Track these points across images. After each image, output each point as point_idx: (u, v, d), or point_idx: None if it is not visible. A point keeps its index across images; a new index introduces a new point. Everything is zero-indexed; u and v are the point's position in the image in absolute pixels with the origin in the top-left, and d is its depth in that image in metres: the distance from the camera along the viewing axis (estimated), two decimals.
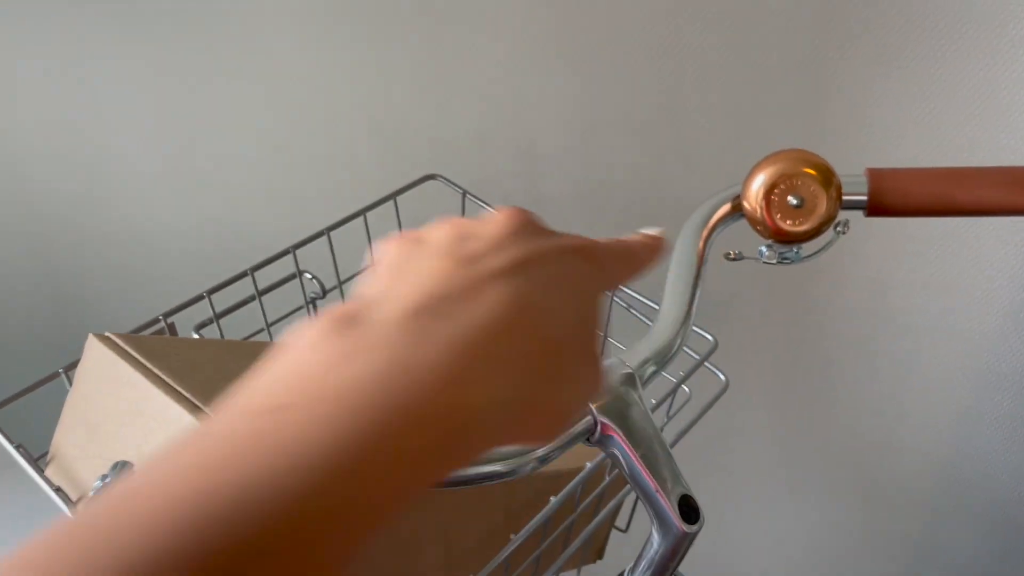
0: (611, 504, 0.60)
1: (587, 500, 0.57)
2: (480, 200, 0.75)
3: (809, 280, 0.92)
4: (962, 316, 0.89)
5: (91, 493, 0.32)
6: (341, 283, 0.73)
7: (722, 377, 0.66)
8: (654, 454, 0.44)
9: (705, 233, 0.53)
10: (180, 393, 0.48)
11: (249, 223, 1.06)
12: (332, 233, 0.70)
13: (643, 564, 0.49)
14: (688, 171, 0.90)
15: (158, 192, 1.08)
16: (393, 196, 0.74)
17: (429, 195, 0.76)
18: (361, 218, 0.72)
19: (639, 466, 0.44)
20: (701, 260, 0.52)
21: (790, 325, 0.95)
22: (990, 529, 1.01)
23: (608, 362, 0.45)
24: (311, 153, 1.00)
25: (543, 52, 0.89)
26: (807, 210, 0.51)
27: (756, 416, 1.02)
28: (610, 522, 0.69)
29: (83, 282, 1.18)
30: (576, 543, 0.57)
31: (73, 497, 0.51)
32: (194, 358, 0.53)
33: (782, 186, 0.51)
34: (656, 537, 0.46)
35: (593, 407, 0.43)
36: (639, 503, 0.70)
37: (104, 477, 0.32)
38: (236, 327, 0.67)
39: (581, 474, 0.54)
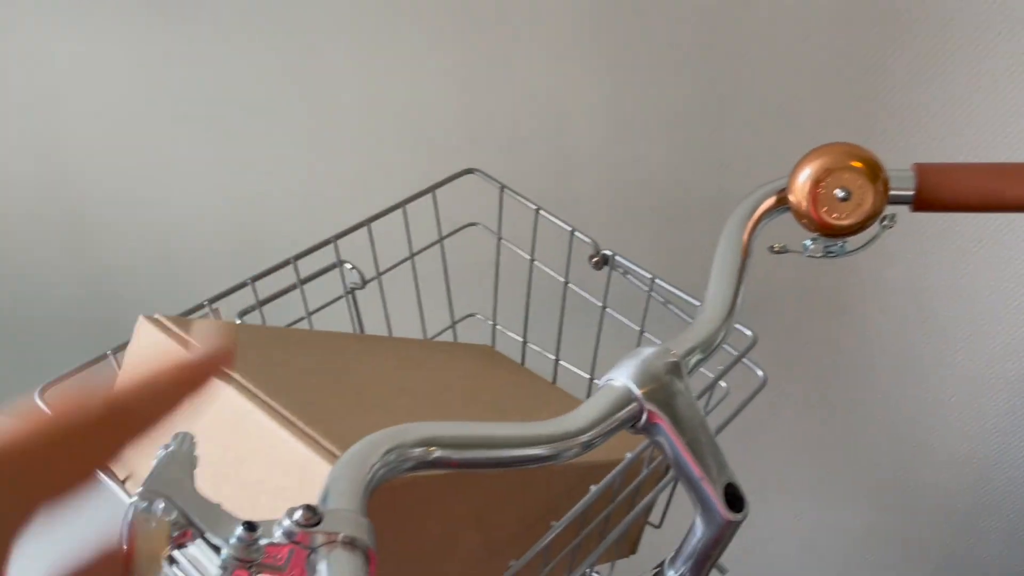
0: (648, 497, 0.60)
1: (625, 492, 0.57)
2: (518, 194, 0.76)
3: (844, 282, 0.92)
4: (1001, 322, 0.89)
5: (153, 462, 0.32)
6: (380, 274, 0.73)
7: (760, 373, 0.66)
8: (700, 442, 0.44)
9: (750, 226, 0.53)
10: (229, 375, 0.49)
11: (289, 216, 1.07)
12: (372, 225, 0.71)
13: (685, 553, 0.49)
14: (723, 171, 0.90)
15: (198, 183, 1.10)
16: (432, 189, 0.75)
17: (467, 190, 0.77)
18: (400, 211, 0.73)
19: (684, 453, 0.44)
20: (746, 253, 0.52)
21: (825, 327, 0.95)
22: None
23: (654, 350, 0.45)
24: (351, 149, 1.01)
25: (579, 52, 0.89)
26: (854, 203, 0.51)
27: (789, 417, 1.01)
28: (644, 517, 0.68)
29: (122, 270, 1.20)
30: (613, 534, 0.58)
31: (121, 476, 0.52)
32: (241, 342, 0.54)
33: (829, 179, 0.51)
34: (699, 526, 0.46)
35: (640, 393, 0.43)
36: (673, 499, 0.70)
37: (167, 446, 0.33)
38: (277, 315, 0.68)
39: (621, 464, 0.55)
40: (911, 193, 0.53)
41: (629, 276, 0.71)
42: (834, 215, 0.52)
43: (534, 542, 0.51)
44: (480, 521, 0.52)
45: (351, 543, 0.31)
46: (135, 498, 0.30)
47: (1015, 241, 0.84)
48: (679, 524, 0.71)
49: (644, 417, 0.43)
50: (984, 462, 0.98)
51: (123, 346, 0.57)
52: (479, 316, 0.83)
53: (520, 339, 0.80)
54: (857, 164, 0.51)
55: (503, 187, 0.76)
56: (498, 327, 0.82)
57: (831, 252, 0.53)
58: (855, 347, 0.95)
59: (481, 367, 0.73)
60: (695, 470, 0.44)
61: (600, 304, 0.74)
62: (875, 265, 0.89)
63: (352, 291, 0.72)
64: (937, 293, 0.89)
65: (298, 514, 0.31)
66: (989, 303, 0.88)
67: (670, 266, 0.73)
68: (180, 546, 0.30)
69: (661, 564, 0.52)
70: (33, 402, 0.53)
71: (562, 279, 0.76)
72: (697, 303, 0.69)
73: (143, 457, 0.51)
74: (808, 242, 0.54)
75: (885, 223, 0.52)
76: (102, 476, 0.51)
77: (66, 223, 1.19)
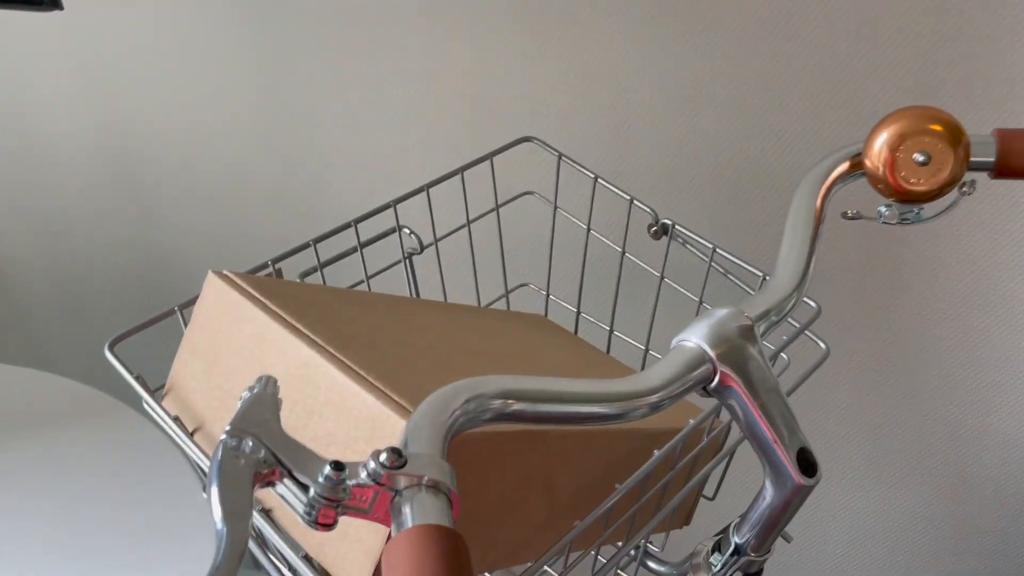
0: (708, 466, 0.60)
1: (685, 459, 0.57)
2: (576, 162, 0.75)
3: (904, 258, 0.90)
4: None
5: (238, 404, 0.33)
6: (437, 240, 0.73)
7: (823, 346, 0.65)
8: (773, 405, 0.44)
9: (823, 191, 0.52)
10: (298, 329, 0.49)
11: (350, 184, 1.07)
12: (431, 191, 0.71)
13: (751, 519, 0.48)
14: (783, 145, 0.88)
15: (258, 152, 1.10)
16: (489, 156, 0.75)
17: (524, 159, 0.76)
18: (457, 178, 0.73)
19: (757, 416, 0.43)
20: (819, 219, 0.51)
21: (883, 304, 0.93)
22: None
23: (727, 311, 0.44)
24: (411, 118, 1.00)
25: (640, 22, 0.88)
26: (933, 168, 0.50)
27: (845, 394, 1.00)
28: (700, 488, 0.68)
29: (177, 235, 1.21)
30: (674, 501, 0.57)
31: (190, 427, 0.52)
32: (306, 299, 0.54)
33: (908, 143, 0.50)
34: (769, 491, 0.46)
35: (713, 354, 0.43)
36: (727, 472, 0.69)
37: (251, 388, 0.33)
38: (336, 279, 0.68)
39: (684, 429, 0.54)
40: (992, 159, 0.51)
41: (689, 246, 0.71)
42: (912, 180, 0.50)
43: (594, 506, 0.51)
44: (543, 482, 0.52)
45: (435, 486, 0.31)
46: (224, 436, 0.30)
47: None
48: (731, 498, 0.70)
49: (717, 379, 0.43)
50: None
51: (190, 302, 0.57)
52: (532, 286, 0.83)
53: (573, 310, 0.80)
54: (937, 127, 0.50)
55: (560, 155, 0.75)
56: (551, 297, 0.81)
57: (906, 219, 0.52)
58: (914, 325, 0.93)
59: (537, 334, 0.73)
60: (768, 434, 0.44)
61: (658, 274, 0.73)
62: (936, 241, 0.87)
63: (410, 256, 0.72)
64: (999, 274, 0.87)
65: (383, 456, 0.31)
66: None
67: (727, 241, 0.72)
68: (268, 484, 0.31)
69: (725, 530, 0.52)
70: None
71: (619, 248, 0.75)
72: (759, 273, 0.68)
73: (211, 409, 0.51)
74: (883, 208, 0.52)
75: (964, 190, 0.51)
76: (172, 426, 0.51)
77: (127, 189, 1.20)
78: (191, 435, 0.52)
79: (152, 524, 0.76)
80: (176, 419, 0.52)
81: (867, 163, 0.51)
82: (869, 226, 0.87)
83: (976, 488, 1.00)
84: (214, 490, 0.28)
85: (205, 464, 0.50)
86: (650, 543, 0.67)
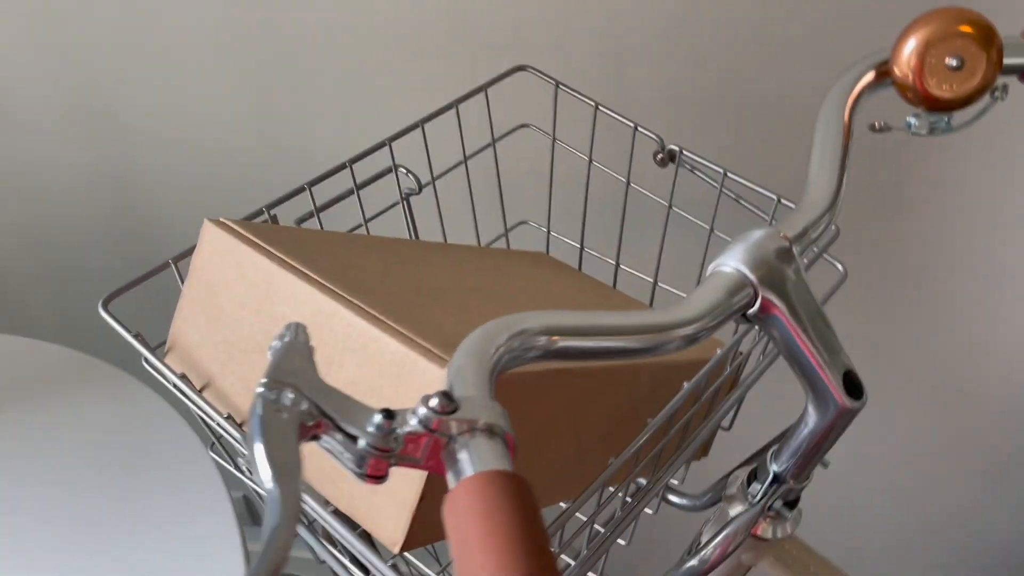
0: (736, 393, 0.59)
1: (711, 389, 0.55)
2: (573, 90, 0.72)
3: (906, 180, 0.88)
4: None
5: (269, 353, 0.30)
6: (435, 178, 0.70)
7: (840, 268, 0.64)
8: (816, 328, 0.42)
9: (850, 103, 0.50)
10: (308, 275, 0.46)
11: (334, 125, 1.02)
12: (425, 128, 0.68)
13: (792, 446, 0.47)
14: (790, 64, 0.85)
15: (236, 95, 1.05)
16: (483, 87, 0.71)
17: (519, 91, 0.73)
18: (453, 114, 0.69)
19: (801, 340, 0.42)
20: (848, 133, 0.49)
21: (884, 226, 0.92)
22: None
23: (764, 232, 0.42)
24: (395, 51, 0.95)
25: None
26: (965, 74, 0.47)
27: (848, 314, 0.99)
28: (719, 419, 0.67)
29: (146, 190, 1.16)
30: (704, 432, 0.56)
31: (198, 384, 0.50)
32: (310, 244, 0.51)
33: (938, 47, 0.47)
34: (812, 415, 0.44)
35: (754, 278, 0.41)
36: (743, 402, 0.68)
37: (282, 337, 0.30)
38: (331, 222, 0.65)
39: (712, 359, 0.53)
40: None
41: (697, 172, 0.68)
42: (943, 87, 0.48)
43: (620, 443, 0.49)
44: (571, 420, 0.50)
45: (490, 430, 0.29)
46: (261, 389, 0.28)
47: None
48: (747, 428, 0.69)
49: (758, 304, 0.41)
50: None
51: (185, 254, 0.54)
52: (532, 223, 0.81)
53: (575, 245, 0.78)
54: (968, 29, 0.47)
55: (558, 83, 0.72)
56: (553, 233, 0.79)
57: (936, 128, 0.50)
58: (912, 246, 0.92)
59: (543, 272, 0.71)
60: (812, 358, 0.42)
61: (665, 203, 0.71)
62: (933, 163, 0.86)
63: (407, 196, 0.69)
64: (998, 191, 0.86)
65: (434, 401, 0.29)
66: None
67: (736, 166, 0.69)
68: (312, 438, 0.28)
69: (761, 456, 0.51)
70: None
71: (623, 179, 0.72)
72: (773, 196, 0.66)
73: (219, 364, 0.49)
74: (912, 119, 0.50)
75: (996, 94, 0.49)
76: (179, 384, 0.49)
77: (103, 140, 1.15)
78: (199, 392, 0.49)
79: (152, 482, 0.74)
80: (183, 376, 0.49)
81: (895, 71, 0.49)
82: (873, 142, 0.85)
83: (973, 403, 1.00)
84: (259, 448, 0.26)
85: (218, 422, 0.48)
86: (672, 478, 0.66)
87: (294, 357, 0.30)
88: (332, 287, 0.45)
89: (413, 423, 0.29)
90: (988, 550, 1.16)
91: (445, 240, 0.74)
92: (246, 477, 0.59)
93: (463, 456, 0.28)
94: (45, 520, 0.72)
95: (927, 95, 0.48)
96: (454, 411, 0.29)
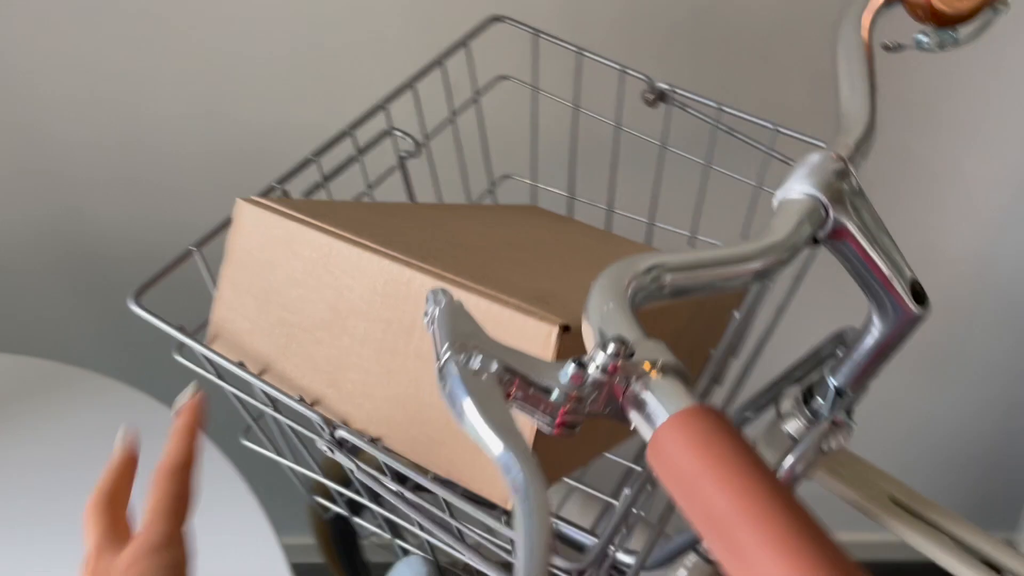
0: (770, 322, 0.60)
1: (740, 315, 0.57)
2: (554, 37, 0.71)
3: (911, 88, 0.90)
4: (997, 122, 0.91)
5: (425, 321, 0.29)
6: (428, 138, 0.68)
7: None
8: (883, 242, 0.44)
9: (866, 24, 0.51)
10: (368, 245, 0.44)
11: (297, 103, 0.95)
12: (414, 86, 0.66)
13: (854, 360, 0.49)
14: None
15: (197, 75, 0.97)
16: (462, 41, 0.70)
17: (498, 45, 0.71)
18: (437, 73, 0.68)
19: (871, 255, 0.43)
20: (869, 51, 0.50)
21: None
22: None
23: (820, 155, 0.43)
24: (350, 16, 0.90)
25: None
26: None
27: None
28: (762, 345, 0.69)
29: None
30: (745, 358, 0.58)
31: (255, 370, 0.48)
32: (347, 215, 0.50)
33: None
34: (878, 326, 0.46)
35: (824, 198, 0.42)
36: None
37: (437, 302, 0.30)
38: (333, 194, 0.63)
39: (753, 291, 0.54)
40: None
41: (689, 110, 0.69)
42: (950, 2, 0.50)
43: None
44: None
45: (670, 369, 0.29)
46: (449, 354, 0.27)
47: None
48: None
49: (829, 224, 0.42)
50: (984, 261, 1.03)
51: (206, 239, 0.51)
52: (516, 176, 0.80)
53: (562, 194, 0.78)
54: None
55: (536, 31, 0.71)
56: (539, 185, 0.78)
57: (945, 44, 0.52)
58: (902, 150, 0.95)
59: (546, 223, 0.71)
60: (883, 272, 0.44)
61: (658, 143, 0.72)
62: (935, 62, 0.87)
63: (404, 159, 0.67)
64: (941, 98, 0.90)
65: (612, 346, 0.28)
66: (986, 107, 0.89)
67: (730, 100, 0.70)
68: (507, 396, 0.28)
69: (812, 373, 0.53)
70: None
71: (611, 123, 0.73)
72: (770, 126, 0.67)
73: (278, 347, 0.47)
74: (921, 37, 0.52)
75: (999, 6, 0.51)
76: (238, 372, 0.47)
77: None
78: (258, 376, 0.47)
79: None
80: (240, 364, 0.47)
81: None
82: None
83: (961, 312, 1.06)
84: (477, 416, 0.25)
85: (288, 402, 0.46)
86: None
87: (462, 320, 0.29)
88: (397, 255, 0.44)
89: (592, 369, 0.28)
90: (932, 437, 1.25)
91: (440, 199, 0.72)
92: (285, 460, 0.58)
93: (652, 398, 0.28)
94: (45, 529, 0.68)
95: (935, 11, 0.50)
96: (631, 355, 0.29)
